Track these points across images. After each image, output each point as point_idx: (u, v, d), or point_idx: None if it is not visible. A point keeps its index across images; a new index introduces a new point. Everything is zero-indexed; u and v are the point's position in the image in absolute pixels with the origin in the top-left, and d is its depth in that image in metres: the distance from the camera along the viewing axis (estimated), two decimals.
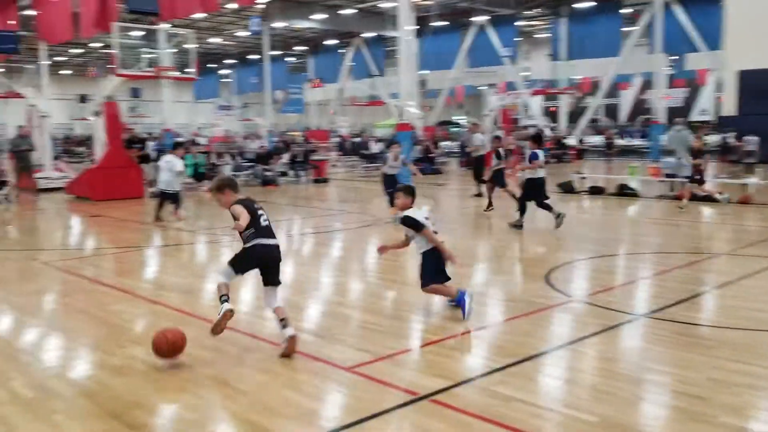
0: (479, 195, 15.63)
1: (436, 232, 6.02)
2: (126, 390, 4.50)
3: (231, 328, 5.84)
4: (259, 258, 5.14)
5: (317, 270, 8.61)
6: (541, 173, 10.81)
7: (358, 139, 34.01)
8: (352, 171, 26.59)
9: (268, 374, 4.74)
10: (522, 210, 10.96)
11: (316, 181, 21.73)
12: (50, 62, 25.92)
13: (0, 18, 24.93)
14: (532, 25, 41.65)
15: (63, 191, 18.40)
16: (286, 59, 43.09)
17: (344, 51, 40.51)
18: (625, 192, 15.84)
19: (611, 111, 45.00)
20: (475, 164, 17.31)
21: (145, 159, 18.59)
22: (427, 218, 6.04)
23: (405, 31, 20.14)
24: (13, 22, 24.41)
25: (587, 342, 5.37)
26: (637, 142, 34.39)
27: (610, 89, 35.57)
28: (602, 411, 4.01)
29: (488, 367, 4.84)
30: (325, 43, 40.21)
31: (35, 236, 12.59)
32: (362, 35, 36.81)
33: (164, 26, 18.69)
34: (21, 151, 18.73)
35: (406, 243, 6.25)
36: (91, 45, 38.42)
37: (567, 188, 16.89)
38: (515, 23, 35.89)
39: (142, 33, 20.53)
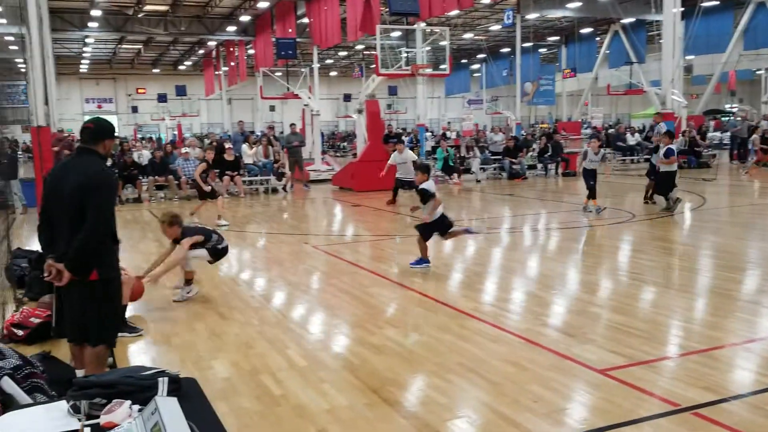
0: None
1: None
2: (383, 367, 4.84)
3: (478, 318, 5.99)
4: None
5: (564, 266, 8.37)
6: (674, 167, 12.37)
7: (612, 131, 32.31)
8: (605, 164, 25.34)
9: (516, 367, 4.75)
10: (667, 197, 12.28)
11: (566, 174, 21.11)
12: (320, 65, 28.54)
13: (281, 28, 28.20)
14: None
15: (330, 182, 20.27)
16: (537, 50, 42.33)
17: (600, 38, 38.70)
18: None
19: None
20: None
21: None
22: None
23: (670, 13, 18.65)
24: (291, 31, 27.42)
25: None
26: None
27: None
28: None
29: (763, 383, 4.32)
30: (579, 31, 38.74)
31: (306, 222, 14.02)
32: (620, 21, 34.77)
33: (421, 25, 19.50)
34: (293, 147, 20.93)
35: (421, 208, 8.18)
36: (356, 47, 41.50)
37: None
38: None
39: (401, 33, 21.68)
